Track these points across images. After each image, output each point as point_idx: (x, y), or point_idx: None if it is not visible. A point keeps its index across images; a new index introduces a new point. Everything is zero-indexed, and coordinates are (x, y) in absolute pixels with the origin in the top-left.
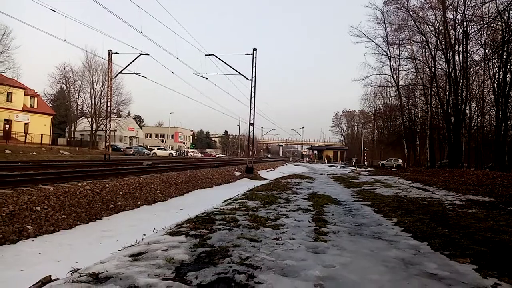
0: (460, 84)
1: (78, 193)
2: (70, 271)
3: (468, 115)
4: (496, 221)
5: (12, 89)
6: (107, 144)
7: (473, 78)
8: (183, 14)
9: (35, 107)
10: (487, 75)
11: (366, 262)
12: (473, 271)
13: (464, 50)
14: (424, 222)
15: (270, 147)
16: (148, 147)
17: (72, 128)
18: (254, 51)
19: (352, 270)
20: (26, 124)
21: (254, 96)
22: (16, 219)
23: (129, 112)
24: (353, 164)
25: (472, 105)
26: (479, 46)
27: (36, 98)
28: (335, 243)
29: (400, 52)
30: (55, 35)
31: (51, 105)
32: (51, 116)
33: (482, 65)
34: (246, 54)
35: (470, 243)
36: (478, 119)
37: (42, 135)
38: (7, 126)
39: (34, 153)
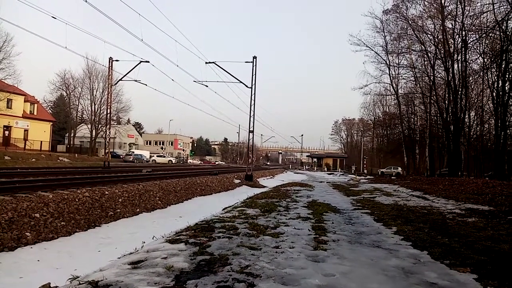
0: (459, 92)
1: (77, 200)
2: (69, 278)
3: (467, 123)
4: (496, 230)
5: (12, 96)
6: (107, 151)
7: (472, 87)
8: (183, 22)
9: (35, 113)
10: (486, 84)
11: (366, 271)
12: (473, 280)
13: (463, 59)
14: (424, 231)
15: (269, 155)
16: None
17: (72, 134)
18: (254, 59)
19: (352, 279)
20: (26, 131)
21: (254, 104)
22: (15, 226)
23: (128, 119)
24: (353, 172)
25: (471, 114)
26: (478, 55)
27: (36, 105)
28: (335, 251)
29: (399, 61)
30: (56, 42)
31: (51, 111)
32: (51, 123)
33: (481, 74)
34: (246, 62)
35: (470, 252)
36: (478, 128)
37: (41, 141)
38: (6, 132)
39: (34, 159)
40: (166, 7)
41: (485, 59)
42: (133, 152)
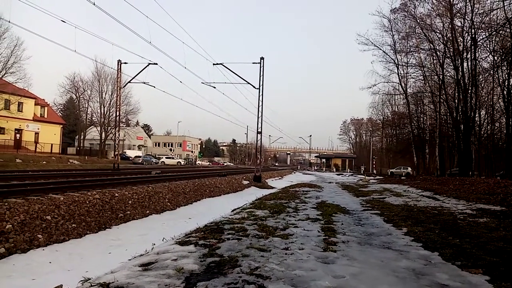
0: (469, 91)
1: (87, 202)
2: (81, 280)
3: (478, 122)
4: (508, 230)
5: (23, 99)
6: (116, 153)
7: (482, 85)
8: (190, 24)
9: (45, 116)
10: (497, 82)
11: (376, 273)
12: (485, 282)
13: (472, 57)
14: (435, 231)
15: (277, 156)
16: (157, 156)
17: (82, 137)
18: (262, 60)
19: (362, 281)
20: (36, 134)
21: (262, 105)
22: (27, 228)
23: (137, 121)
24: (362, 172)
25: (481, 113)
26: (488, 53)
27: (46, 108)
28: (344, 253)
29: (408, 60)
30: (65, 46)
31: (61, 114)
32: (61, 126)
33: (491, 72)
34: (253, 63)
35: (482, 253)
36: (488, 127)
37: (52, 144)
38: (17, 135)
39: (44, 162)
40: (173, 9)
41: (496, 57)
42: (125, 152)
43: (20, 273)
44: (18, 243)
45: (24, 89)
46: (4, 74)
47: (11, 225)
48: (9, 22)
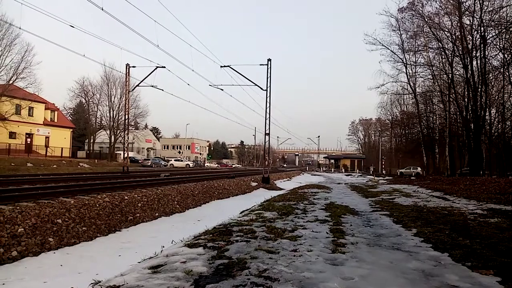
0: (479, 90)
1: (97, 205)
2: (91, 283)
3: (488, 121)
4: None
5: (33, 104)
6: (126, 156)
7: (492, 83)
8: (197, 27)
9: (55, 120)
10: (507, 80)
11: (386, 274)
12: (497, 283)
13: (482, 55)
14: (445, 232)
15: (286, 157)
16: (165, 158)
17: (91, 140)
18: (269, 62)
19: (371, 282)
20: (47, 138)
21: (269, 106)
22: (38, 231)
23: (146, 124)
24: (371, 173)
25: (492, 111)
26: (498, 51)
27: (56, 112)
28: (353, 254)
29: (416, 59)
30: (74, 51)
31: (70, 118)
32: (71, 129)
33: (502, 70)
34: (260, 64)
35: (493, 254)
36: (499, 125)
37: (62, 148)
38: (28, 140)
39: (55, 166)
40: (179, 12)
41: (506, 55)
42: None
43: (32, 276)
44: (30, 246)
45: (34, 94)
46: (15, 80)
47: (23, 229)
48: (20, 28)
